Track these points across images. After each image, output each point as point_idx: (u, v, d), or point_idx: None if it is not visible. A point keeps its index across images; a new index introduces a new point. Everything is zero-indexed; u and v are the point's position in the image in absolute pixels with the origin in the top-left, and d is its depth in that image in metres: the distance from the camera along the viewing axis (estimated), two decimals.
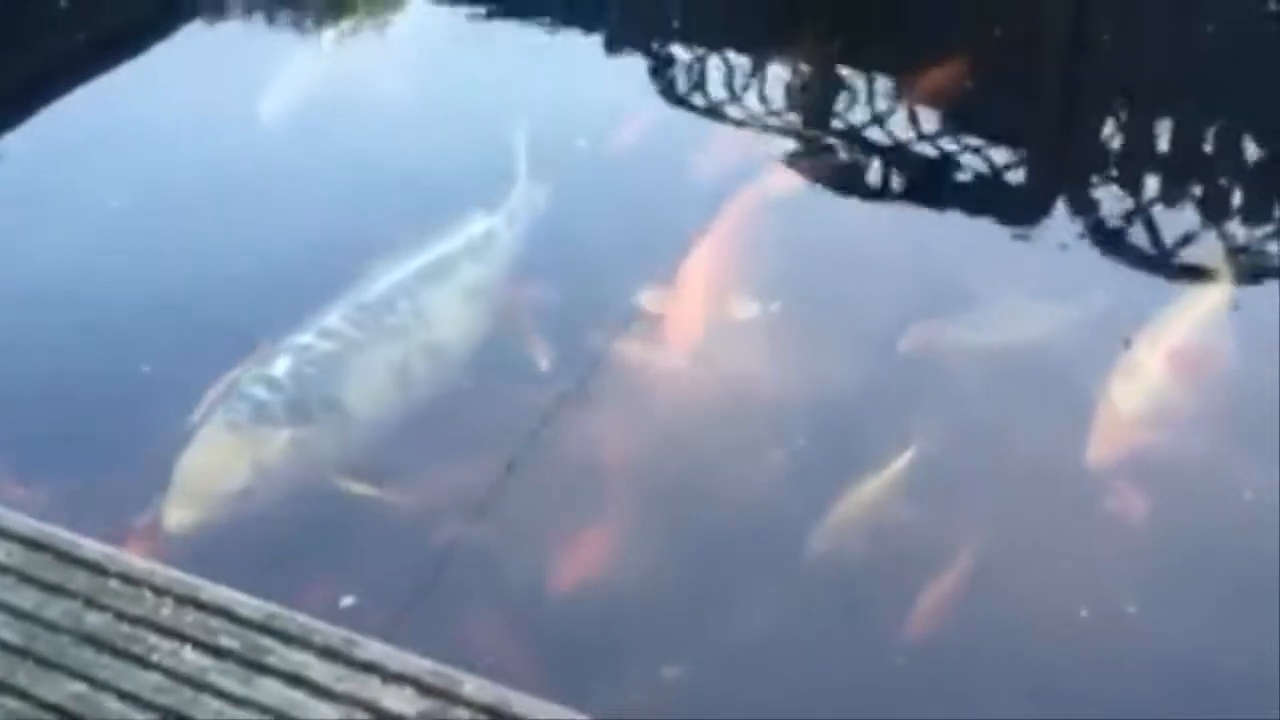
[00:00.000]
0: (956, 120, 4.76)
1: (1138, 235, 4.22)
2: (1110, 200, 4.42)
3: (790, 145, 4.78)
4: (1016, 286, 3.81)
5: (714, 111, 4.94)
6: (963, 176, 4.58)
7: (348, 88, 4.88)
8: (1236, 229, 4.23)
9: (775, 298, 3.73)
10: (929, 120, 4.75)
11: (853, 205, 4.46)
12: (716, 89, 5.04)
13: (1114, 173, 4.72)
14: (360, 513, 3.06)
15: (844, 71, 5.12)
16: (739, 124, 4.85)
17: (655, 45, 5.34)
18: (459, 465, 3.21)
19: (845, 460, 3.22)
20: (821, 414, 3.36)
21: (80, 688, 2.11)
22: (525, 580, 2.93)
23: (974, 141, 4.67)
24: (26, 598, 2.26)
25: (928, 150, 4.68)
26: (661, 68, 5.21)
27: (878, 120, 4.82)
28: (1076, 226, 4.27)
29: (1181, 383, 3.38)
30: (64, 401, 3.39)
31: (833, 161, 4.68)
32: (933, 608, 2.82)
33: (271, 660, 2.15)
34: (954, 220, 4.35)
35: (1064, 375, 3.50)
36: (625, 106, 4.80)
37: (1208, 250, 4.06)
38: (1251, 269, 3.98)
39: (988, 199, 4.48)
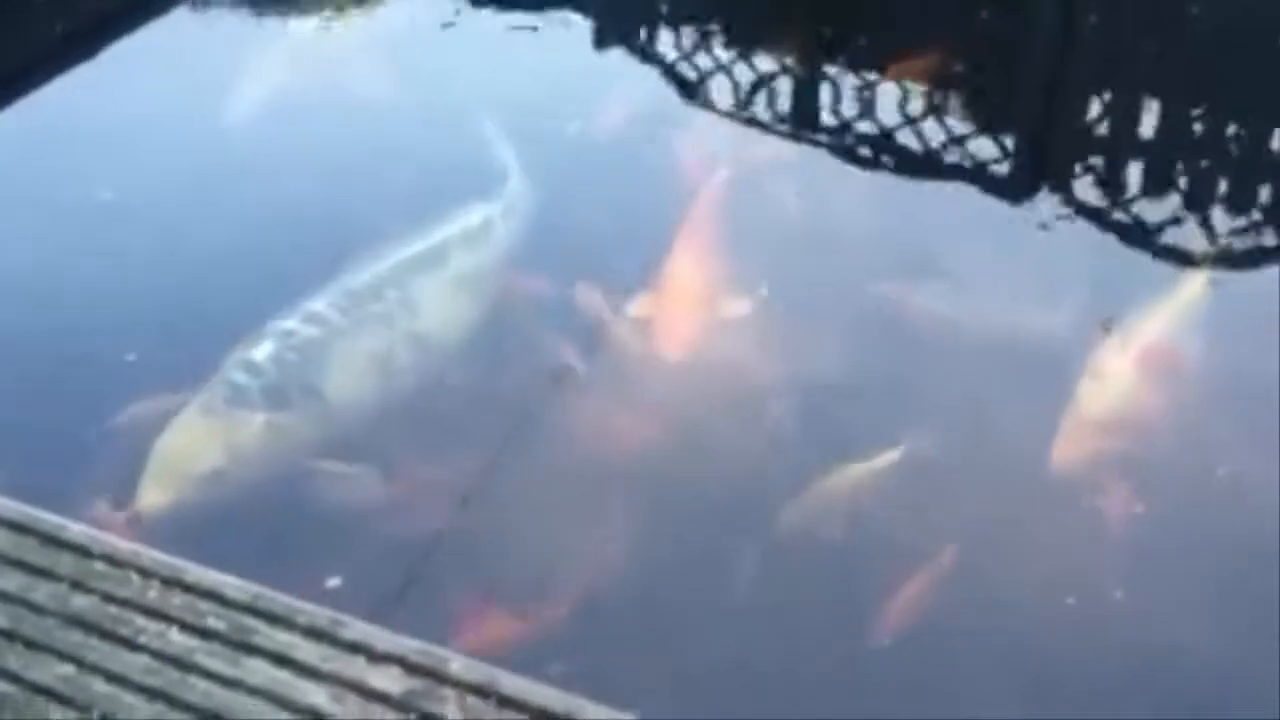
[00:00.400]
0: (941, 104, 4.77)
1: (1120, 224, 4.23)
2: (1093, 188, 4.45)
3: (773, 130, 4.78)
4: (999, 269, 3.82)
5: (699, 97, 4.94)
6: (947, 159, 4.58)
7: (330, 77, 4.89)
8: (1216, 223, 4.21)
9: (759, 284, 3.74)
10: (914, 105, 4.75)
11: (838, 188, 4.46)
12: (701, 74, 5.05)
13: (1098, 160, 4.74)
14: (334, 497, 3.06)
15: (829, 55, 5.14)
16: (723, 110, 4.86)
17: (641, 33, 5.35)
18: (438, 453, 3.22)
19: (829, 446, 3.23)
20: (807, 401, 3.37)
21: (68, 669, 2.12)
22: (504, 566, 2.94)
23: (957, 124, 4.69)
24: (13, 581, 2.26)
25: (912, 135, 4.68)
26: (647, 56, 5.23)
27: (863, 104, 4.84)
28: (1059, 213, 4.28)
29: (1150, 384, 3.37)
30: (43, 388, 3.39)
31: (816, 146, 4.69)
32: (901, 603, 2.83)
33: (258, 641, 2.16)
34: (938, 202, 4.36)
35: (1044, 361, 3.51)
36: (608, 95, 4.80)
37: (1184, 247, 4.06)
38: (1226, 268, 3.94)
39: (971, 182, 4.49)
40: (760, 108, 4.87)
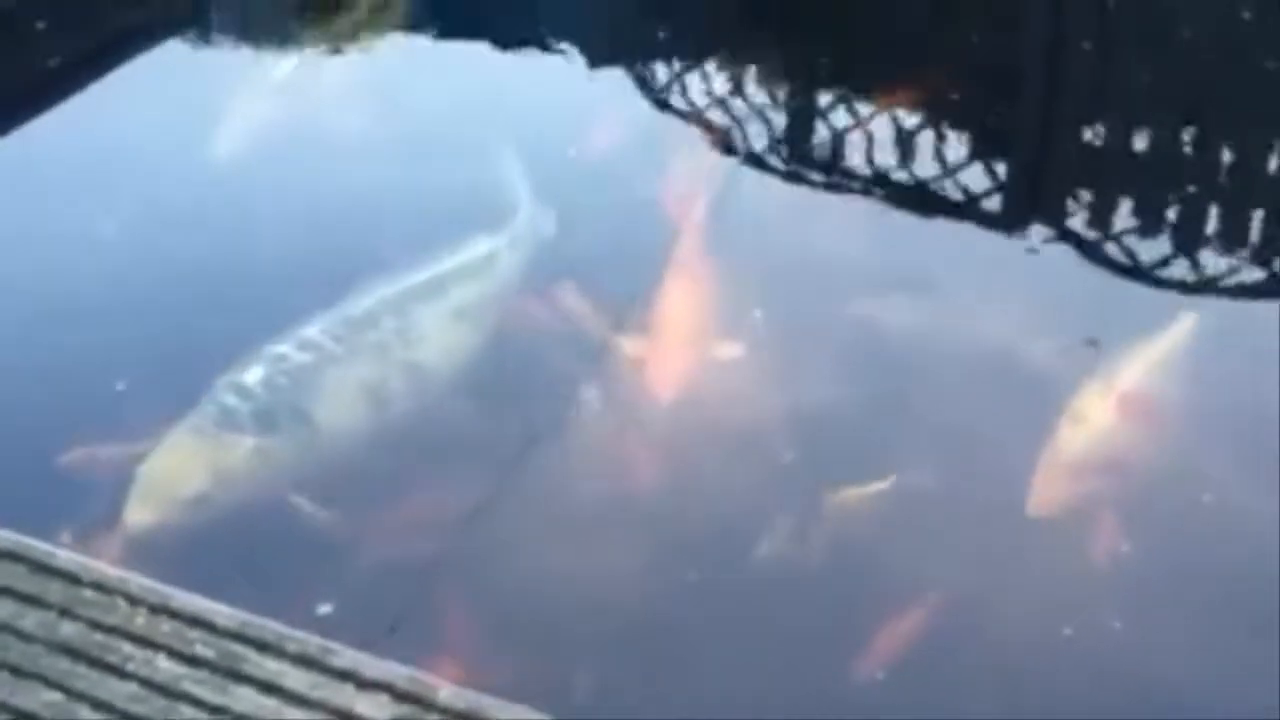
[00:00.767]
0: (932, 132, 4.79)
1: (1111, 255, 4.22)
2: (1085, 218, 4.45)
3: (766, 158, 4.81)
4: (991, 299, 3.82)
5: (693, 119, 4.96)
6: (938, 188, 4.60)
7: (330, 109, 4.90)
8: (1208, 257, 4.19)
9: (751, 311, 3.75)
10: (905, 133, 4.78)
11: (829, 217, 4.47)
12: (695, 98, 5.08)
13: (1090, 189, 4.74)
14: (315, 525, 3.06)
15: (822, 81, 5.17)
16: (716, 132, 4.88)
17: (633, 61, 5.39)
18: (428, 483, 3.20)
19: (821, 477, 3.22)
20: (798, 432, 3.37)
21: (55, 697, 2.12)
22: (489, 596, 2.94)
23: (949, 152, 4.71)
24: (1, 609, 2.26)
25: (903, 163, 4.70)
26: (638, 84, 5.26)
27: (855, 132, 4.86)
28: (1051, 242, 4.28)
29: (1130, 430, 3.32)
30: (33, 413, 3.39)
31: (808, 171, 4.71)
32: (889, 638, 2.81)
33: (247, 668, 2.16)
34: (928, 231, 4.38)
35: (1035, 393, 3.50)
36: (600, 122, 4.81)
37: (1175, 280, 4.04)
38: (1212, 312, 3.83)
39: (963, 212, 4.51)
40: (753, 135, 4.89)
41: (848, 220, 4.47)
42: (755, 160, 4.76)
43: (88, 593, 2.29)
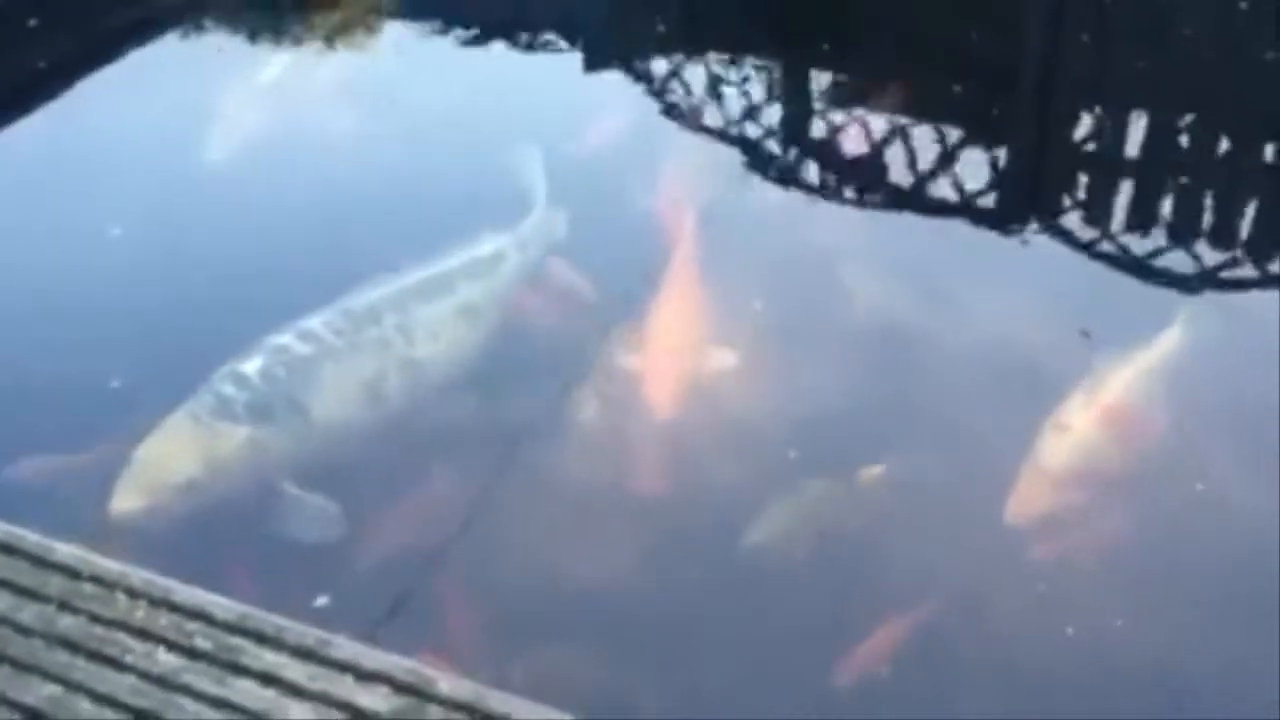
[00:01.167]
0: (930, 130, 4.80)
1: (1108, 252, 4.22)
2: (1082, 215, 4.45)
3: (763, 154, 4.81)
4: (988, 297, 3.82)
5: (690, 123, 4.97)
6: (935, 186, 4.60)
7: (340, 106, 4.90)
8: (1204, 256, 4.19)
9: (749, 307, 3.75)
10: (903, 131, 4.78)
11: (825, 215, 4.48)
12: (692, 100, 5.08)
13: (1087, 185, 4.74)
14: (292, 524, 3.07)
15: (818, 80, 5.17)
16: (714, 134, 4.89)
17: (630, 59, 5.39)
18: (419, 479, 3.20)
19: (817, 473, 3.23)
20: (797, 428, 3.37)
21: (55, 690, 2.12)
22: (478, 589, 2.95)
23: (947, 150, 4.72)
24: (0, 602, 2.26)
25: (900, 161, 4.70)
26: (636, 81, 5.26)
27: (852, 130, 4.86)
28: (1048, 239, 4.29)
29: (1112, 442, 3.30)
30: (36, 407, 3.40)
31: (806, 172, 4.72)
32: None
33: (246, 660, 2.16)
34: (925, 228, 4.38)
35: (1026, 389, 3.49)
36: (597, 120, 4.82)
37: (1172, 275, 4.05)
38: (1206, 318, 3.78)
39: (960, 210, 4.51)
40: (749, 132, 4.89)
41: (845, 214, 4.48)
42: (750, 158, 4.78)
43: (87, 586, 2.29)
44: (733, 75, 5.25)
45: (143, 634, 2.21)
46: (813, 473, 3.21)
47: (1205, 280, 4.06)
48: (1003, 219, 4.46)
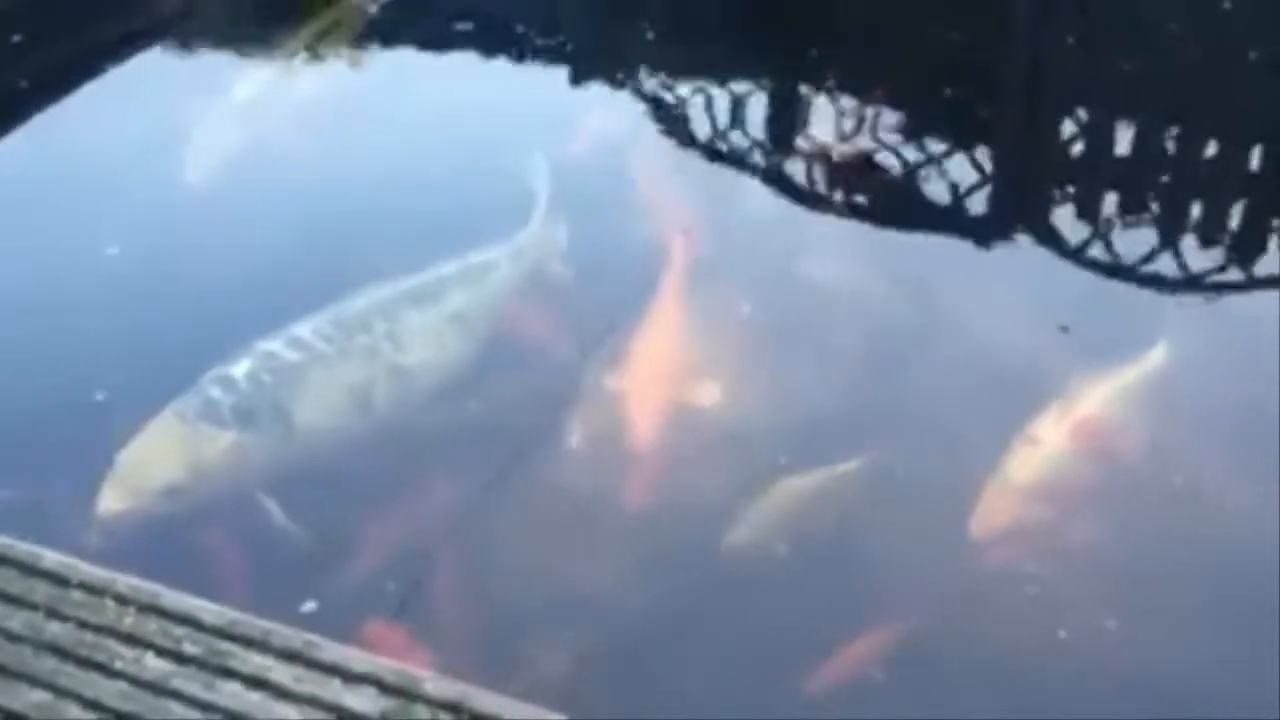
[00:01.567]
0: (917, 132, 4.82)
1: (1094, 257, 4.23)
2: (1070, 218, 4.46)
3: (750, 162, 4.83)
4: (978, 301, 3.83)
5: (676, 130, 4.98)
6: (924, 189, 4.61)
7: (334, 115, 4.92)
8: (1190, 259, 4.18)
9: (739, 311, 3.77)
10: (890, 134, 4.80)
11: (813, 221, 4.49)
12: (684, 113, 5.10)
13: (1074, 189, 4.75)
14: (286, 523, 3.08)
15: (806, 85, 5.19)
16: (702, 140, 4.90)
17: (617, 68, 5.41)
18: (402, 487, 3.20)
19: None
20: (787, 431, 3.38)
21: (44, 696, 2.13)
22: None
23: (933, 153, 4.74)
24: None
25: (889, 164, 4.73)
26: (623, 91, 5.28)
27: (840, 133, 4.88)
28: (1036, 244, 4.30)
29: (1082, 457, 3.27)
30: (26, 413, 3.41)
31: (794, 177, 4.73)
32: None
33: (234, 664, 2.17)
34: (914, 231, 4.39)
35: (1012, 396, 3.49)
36: (585, 129, 4.83)
37: (1159, 279, 4.05)
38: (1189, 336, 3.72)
39: (949, 214, 4.52)
40: (737, 140, 4.91)
41: (835, 221, 4.48)
42: (738, 164, 4.79)
43: (75, 593, 2.30)
44: (720, 82, 5.26)
45: (131, 639, 2.22)
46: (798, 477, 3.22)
47: (1190, 285, 4.05)
48: (989, 224, 4.48)
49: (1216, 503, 3.12)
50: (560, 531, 3.11)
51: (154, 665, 2.18)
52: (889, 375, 3.60)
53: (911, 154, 4.72)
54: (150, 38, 5.42)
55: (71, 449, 3.23)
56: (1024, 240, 4.32)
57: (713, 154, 4.85)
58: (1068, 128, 4.99)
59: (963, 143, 4.78)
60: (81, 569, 2.35)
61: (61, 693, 2.14)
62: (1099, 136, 4.94)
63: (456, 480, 3.22)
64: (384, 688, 2.13)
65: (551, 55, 5.56)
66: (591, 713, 2.08)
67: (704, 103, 5.11)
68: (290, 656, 2.18)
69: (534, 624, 2.85)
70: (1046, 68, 5.33)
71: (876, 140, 4.76)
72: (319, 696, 2.12)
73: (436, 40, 5.52)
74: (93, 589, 2.30)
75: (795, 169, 4.73)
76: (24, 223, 4.29)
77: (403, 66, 5.47)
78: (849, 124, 4.90)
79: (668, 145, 4.90)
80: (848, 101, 5.02)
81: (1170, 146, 4.91)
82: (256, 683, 2.14)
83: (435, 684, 2.12)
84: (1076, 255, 4.20)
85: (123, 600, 2.28)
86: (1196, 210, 4.54)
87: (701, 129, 4.97)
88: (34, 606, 2.27)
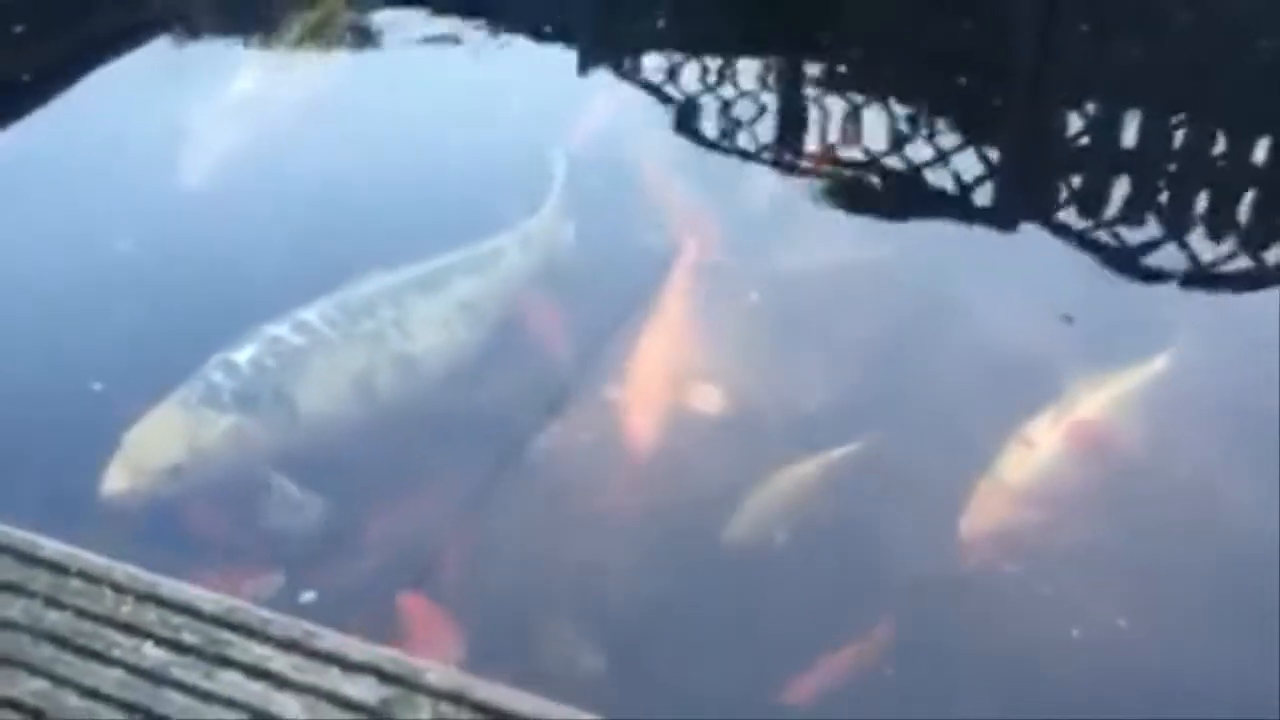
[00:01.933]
0: (924, 125, 4.79)
1: (1102, 246, 4.22)
2: (1076, 209, 4.44)
3: (757, 153, 4.81)
4: (985, 293, 3.81)
5: (683, 126, 4.96)
6: (930, 181, 4.59)
7: (347, 101, 4.93)
8: (1198, 249, 4.19)
9: (745, 298, 3.75)
10: (896, 127, 4.78)
11: (821, 214, 4.47)
12: (683, 101, 5.08)
13: (1081, 179, 4.74)
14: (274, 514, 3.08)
15: (812, 79, 5.17)
16: (709, 132, 4.89)
17: (624, 62, 5.39)
18: (404, 475, 3.21)
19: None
20: (788, 424, 3.36)
21: (41, 684, 2.11)
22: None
23: (940, 145, 4.71)
24: None
25: (894, 157, 4.70)
26: (630, 85, 5.26)
27: (846, 126, 4.86)
28: (1042, 235, 4.28)
29: (1076, 461, 3.25)
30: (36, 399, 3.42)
31: (800, 169, 4.72)
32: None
33: (232, 653, 2.15)
34: (921, 224, 4.37)
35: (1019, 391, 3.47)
36: (591, 123, 4.82)
37: (1166, 273, 4.05)
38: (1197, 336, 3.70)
39: (955, 205, 4.50)
40: (744, 132, 4.90)
41: (841, 212, 4.47)
42: (745, 154, 4.78)
43: (74, 581, 2.28)
44: (726, 73, 5.25)
45: (129, 628, 2.20)
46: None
47: (1198, 280, 4.05)
48: (996, 214, 4.47)
49: (1216, 506, 3.10)
50: (562, 519, 3.10)
51: (153, 654, 2.16)
52: (893, 368, 3.60)
53: (918, 146, 4.71)
54: (154, 28, 5.42)
55: (78, 434, 3.24)
56: (1029, 232, 4.31)
57: (719, 144, 4.84)
58: (1074, 119, 4.99)
59: (970, 134, 4.77)
60: (80, 557, 2.33)
61: (60, 681, 2.12)
62: (1106, 128, 4.93)
63: (459, 466, 3.22)
64: (384, 676, 2.11)
65: (559, 46, 5.54)
66: (594, 702, 2.05)
67: (708, 88, 5.10)
68: (289, 645, 2.16)
69: (537, 611, 2.84)
70: (1054, 58, 5.32)
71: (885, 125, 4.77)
72: (319, 685, 2.10)
73: (439, 31, 5.51)
74: (91, 577, 2.29)
75: (800, 163, 4.73)
76: (25, 212, 4.28)
77: (405, 58, 5.46)
78: (853, 118, 4.91)
79: (674, 138, 4.89)
80: (855, 91, 5.02)
81: (1178, 138, 4.90)
82: (256, 672, 2.12)
83: (436, 673, 2.10)
84: (1082, 247, 4.20)
85: (121, 589, 2.27)
86: (1203, 203, 4.53)
87: (709, 118, 4.95)
88: (33, 595, 2.25)
